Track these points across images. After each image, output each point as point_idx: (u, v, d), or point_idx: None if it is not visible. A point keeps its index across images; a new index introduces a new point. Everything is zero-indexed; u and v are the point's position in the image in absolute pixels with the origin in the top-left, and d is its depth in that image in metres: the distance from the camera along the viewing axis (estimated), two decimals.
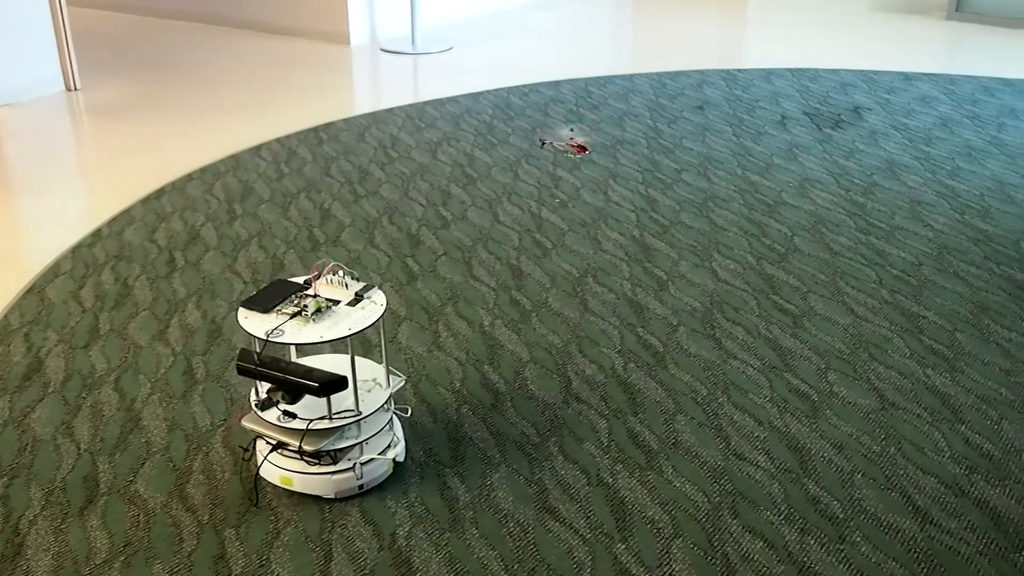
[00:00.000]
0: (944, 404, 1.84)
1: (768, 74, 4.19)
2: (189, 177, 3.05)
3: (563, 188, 2.92)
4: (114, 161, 3.23)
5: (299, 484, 1.59)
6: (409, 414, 1.81)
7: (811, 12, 5.57)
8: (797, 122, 3.54)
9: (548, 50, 4.70)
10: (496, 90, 3.97)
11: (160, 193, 2.93)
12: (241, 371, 1.55)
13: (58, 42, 4.05)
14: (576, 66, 4.37)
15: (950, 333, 2.09)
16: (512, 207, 2.79)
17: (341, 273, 1.62)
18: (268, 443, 1.59)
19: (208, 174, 3.08)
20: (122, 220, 2.74)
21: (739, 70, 4.26)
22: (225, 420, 1.82)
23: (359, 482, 1.59)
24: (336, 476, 1.57)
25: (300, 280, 1.63)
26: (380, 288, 1.64)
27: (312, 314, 1.53)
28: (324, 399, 1.57)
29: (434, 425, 1.79)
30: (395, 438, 1.67)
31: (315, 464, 1.57)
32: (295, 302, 1.56)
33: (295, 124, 3.56)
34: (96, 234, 2.65)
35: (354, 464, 1.57)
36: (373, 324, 1.53)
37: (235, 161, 3.19)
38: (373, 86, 4.15)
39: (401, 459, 1.66)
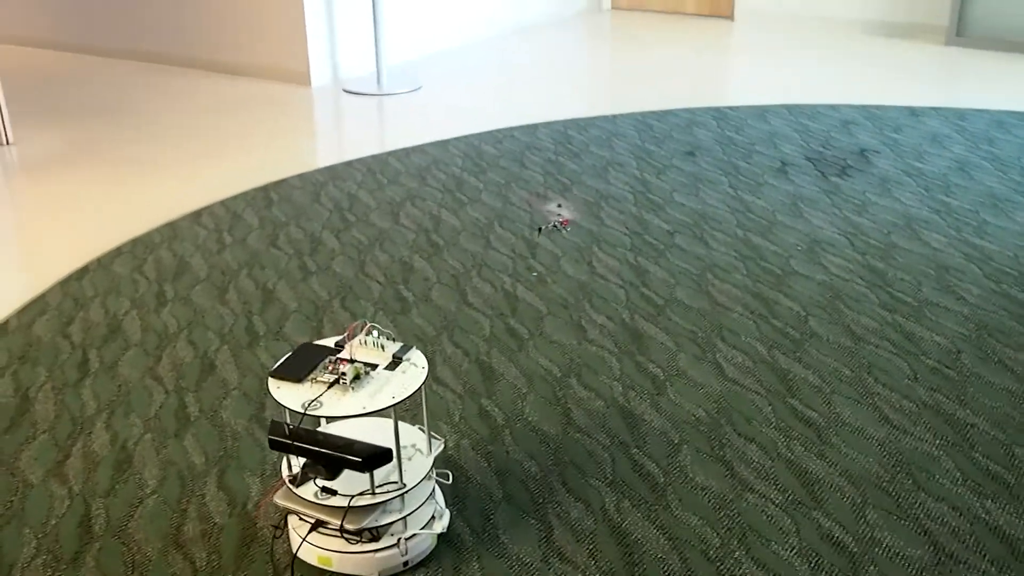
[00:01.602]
0: (1014, 554, 1.49)
1: (762, 112, 3.86)
2: (118, 251, 2.69)
3: (540, 258, 2.57)
4: (36, 232, 2.86)
5: (339, 564, 1.45)
6: (450, 480, 1.66)
7: (800, 38, 5.25)
8: (799, 169, 3.20)
9: (523, 88, 4.36)
10: (467, 136, 3.62)
11: (83, 272, 2.57)
12: (274, 446, 1.40)
13: None
14: (553, 106, 4.03)
15: (1007, 448, 1.74)
16: (482, 283, 2.43)
17: (376, 333, 1.49)
18: (303, 520, 1.45)
19: (140, 247, 2.71)
20: (35, 308, 2.37)
21: (730, 108, 3.92)
22: None
23: (404, 558, 1.46)
24: (379, 554, 1.44)
25: (330, 342, 1.50)
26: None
27: (351, 381, 1.39)
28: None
29: None
30: (438, 508, 1.53)
31: (356, 542, 1.44)
32: (330, 368, 1.42)
33: (243, 182, 3.20)
34: (1, 328, 2.28)
35: (398, 540, 1.45)
36: (418, 390, 1.41)
37: (172, 230, 2.83)
38: (333, 134, 3.79)
39: (446, 529, 1.52)
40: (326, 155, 3.48)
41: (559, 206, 2.73)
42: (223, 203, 3.02)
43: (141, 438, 1.84)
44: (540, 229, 2.54)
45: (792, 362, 2.03)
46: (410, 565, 1.48)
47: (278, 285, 2.45)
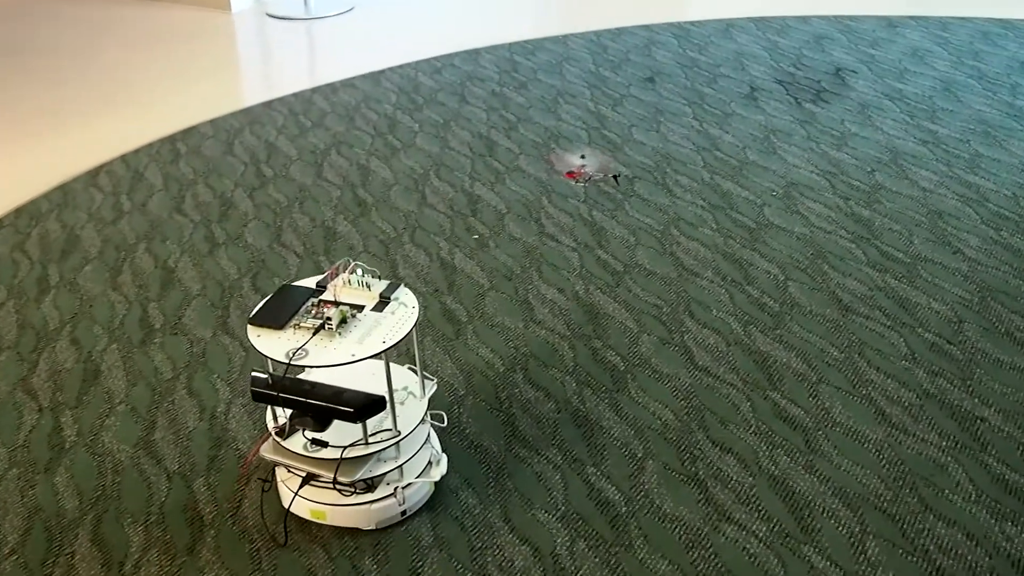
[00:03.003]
0: None
1: (727, 27, 3.51)
2: None
3: (483, 215, 2.26)
4: None
5: (333, 517, 1.38)
6: (444, 423, 1.56)
7: None
8: (770, 95, 2.88)
9: (466, 5, 3.97)
10: (402, 66, 3.26)
11: None
12: (257, 397, 1.30)
13: None
14: (499, 26, 3.66)
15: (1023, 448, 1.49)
16: (416, 250, 2.12)
17: (360, 271, 1.38)
18: (292, 472, 1.37)
19: (24, 217, 2.37)
20: None
21: (692, 23, 3.58)
22: None
23: (401, 508, 1.39)
24: (376, 505, 1.37)
25: (311, 283, 1.38)
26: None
27: (338, 326, 1.28)
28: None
29: None
30: (435, 452, 1.45)
31: (350, 494, 1.36)
32: (313, 312, 1.32)
33: (149, 130, 2.84)
34: None
35: (395, 489, 1.38)
36: (409, 332, 1.29)
37: (63, 194, 2.48)
38: (253, 68, 3.41)
39: (444, 474, 1.43)
40: (243, 94, 3.12)
41: (583, 157, 2.40)
42: (124, 158, 2.66)
43: (5, 474, 1.54)
44: (616, 177, 2.23)
45: (772, 342, 1.76)
46: (408, 514, 1.40)
47: (180, 262, 2.13)
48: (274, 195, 2.40)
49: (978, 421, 1.55)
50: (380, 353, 1.26)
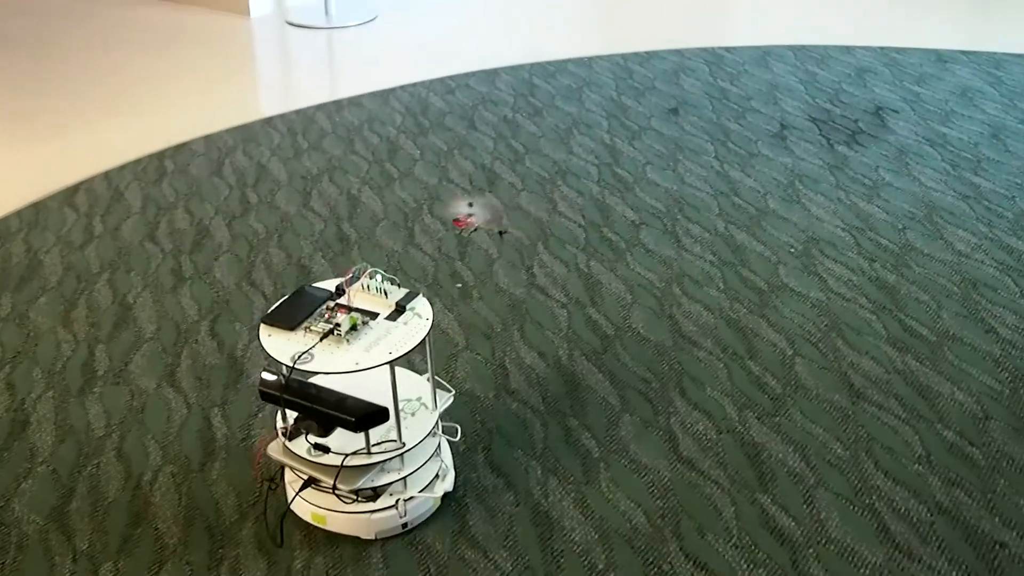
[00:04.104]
0: None
1: (764, 55, 3.30)
2: None
3: (471, 259, 2.08)
4: None
5: (333, 523, 1.37)
6: (458, 437, 1.51)
7: None
8: (801, 134, 2.67)
9: (492, 19, 3.80)
10: (414, 84, 3.09)
11: None
12: (265, 397, 1.31)
13: None
14: (522, 44, 3.48)
15: None
16: None
17: (379, 278, 1.37)
18: (298, 475, 1.35)
19: None
20: None
21: (727, 49, 3.37)
22: None
23: (402, 520, 1.36)
24: (376, 515, 1.35)
25: (331, 286, 1.36)
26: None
27: (346, 332, 1.27)
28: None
29: None
30: (443, 467, 1.43)
31: (351, 501, 1.34)
32: (326, 316, 1.31)
33: (139, 143, 2.70)
34: None
35: (397, 501, 1.35)
36: (418, 345, 1.27)
37: (36, 212, 2.34)
38: (259, 80, 3.27)
39: (450, 489, 1.41)
40: (244, 108, 2.97)
41: (470, 205, 2.23)
42: (107, 175, 2.52)
43: None
44: (502, 233, 2.08)
45: (768, 432, 1.56)
46: (410, 527, 1.37)
47: (140, 297, 1.98)
48: (254, 225, 2.25)
49: (996, 547, 1.34)
50: (385, 364, 1.23)
